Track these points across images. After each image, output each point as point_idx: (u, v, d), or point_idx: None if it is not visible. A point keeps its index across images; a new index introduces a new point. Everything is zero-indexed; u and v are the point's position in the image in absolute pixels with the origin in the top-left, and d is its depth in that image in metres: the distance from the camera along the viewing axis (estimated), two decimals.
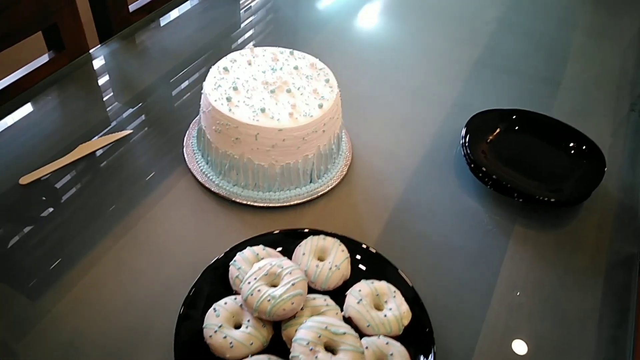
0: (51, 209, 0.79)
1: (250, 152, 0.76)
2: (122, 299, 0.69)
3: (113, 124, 0.94)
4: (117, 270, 0.73)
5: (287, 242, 0.73)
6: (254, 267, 0.64)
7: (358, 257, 0.72)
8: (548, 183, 0.86)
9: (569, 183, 0.86)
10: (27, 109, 0.96)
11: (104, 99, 1.01)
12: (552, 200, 0.81)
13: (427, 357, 0.62)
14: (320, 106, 0.77)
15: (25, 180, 0.82)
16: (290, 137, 0.75)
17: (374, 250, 0.73)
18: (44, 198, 0.80)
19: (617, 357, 0.68)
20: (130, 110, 0.98)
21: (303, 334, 0.58)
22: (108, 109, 0.98)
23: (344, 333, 0.58)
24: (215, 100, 0.77)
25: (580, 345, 0.69)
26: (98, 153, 0.88)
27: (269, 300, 0.60)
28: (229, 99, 0.77)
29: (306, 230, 0.74)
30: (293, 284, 0.62)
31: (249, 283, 0.62)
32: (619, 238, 0.82)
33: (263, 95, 0.78)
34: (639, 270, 0.77)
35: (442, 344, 0.66)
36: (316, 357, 0.56)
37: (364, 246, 0.73)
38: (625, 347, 0.69)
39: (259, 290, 0.61)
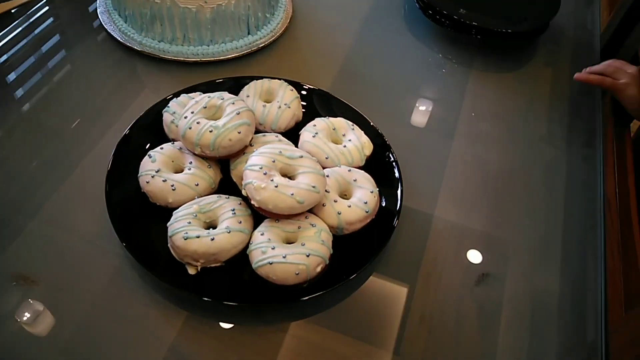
0: None
1: None
2: (43, 162, 0.60)
3: None
4: (37, 132, 0.62)
5: (227, 91, 0.64)
6: (190, 103, 0.55)
7: (310, 101, 0.65)
8: (505, 19, 0.80)
9: (526, 18, 0.80)
10: None
11: None
12: (510, 31, 0.76)
13: (394, 185, 0.57)
14: None
15: None
16: None
17: (327, 91, 0.65)
18: None
19: (590, 173, 0.65)
20: None
21: (254, 160, 0.50)
22: None
23: (301, 156, 0.51)
24: None
25: (552, 164, 0.65)
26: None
27: (211, 131, 0.52)
28: None
29: (248, 78, 0.65)
30: (238, 113, 0.53)
31: (186, 117, 0.53)
32: (579, 68, 0.78)
33: None
34: (601, 94, 0.73)
35: (407, 177, 0.60)
36: (272, 180, 0.48)
37: (315, 88, 0.66)
38: (596, 164, 0.66)
39: (198, 123, 0.53)
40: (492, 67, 0.78)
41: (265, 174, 0.49)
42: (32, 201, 0.56)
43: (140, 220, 0.52)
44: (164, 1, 0.66)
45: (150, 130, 0.60)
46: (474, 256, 0.56)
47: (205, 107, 0.54)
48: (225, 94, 0.56)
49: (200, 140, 0.52)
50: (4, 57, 0.70)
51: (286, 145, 0.53)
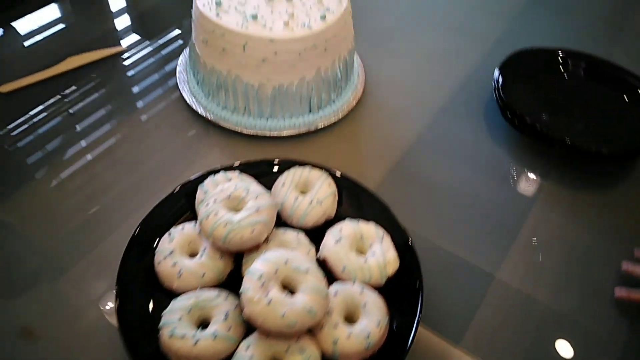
0: (32, 119, 0.73)
1: (239, 67, 0.67)
2: (87, 219, 0.63)
3: (110, 40, 0.87)
4: (90, 185, 0.66)
5: (269, 173, 0.63)
6: (217, 189, 0.55)
7: (349, 195, 0.62)
8: (595, 133, 0.71)
9: (621, 135, 0.70)
10: (18, 18, 0.90)
11: (100, 12, 0.93)
12: (600, 151, 0.67)
13: (410, 320, 0.51)
14: (323, 18, 0.66)
15: (6, 88, 0.76)
16: (283, 51, 0.64)
17: (366, 188, 0.62)
18: (25, 107, 0.74)
19: None
20: (126, 25, 0.91)
21: (257, 266, 0.48)
22: (103, 24, 0.91)
23: (307, 271, 0.48)
24: (204, 5, 0.67)
25: (607, 332, 0.55)
26: (87, 67, 0.81)
27: (225, 225, 0.51)
28: (218, 4, 0.67)
29: (291, 162, 0.63)
30: (257, 210, 0.52)
31: (207, 205, 0.53)
32: None
33: (259, 2, 0.68)
34: None
35: (434, 305, 0.54)
36: (267, 294, 0.46)
37: (356, 183, 0.62)
38: None
39: (215, 214, 0.52)
40: (568, 186, 0.69)
41: (262, 284, 0.46)
42: (61, 259, 0.58)
43: (145, 297, 0.52)
44: (229, 73, 0.68)
45: (189, 200, 0.60)
46: None
47: (228, 198, 0.53)
48: (253, 185, 0.55)
49: (214, 233, 0.51)
50: (79, 105, 0.76)
51: (297, 253, 0.50)
